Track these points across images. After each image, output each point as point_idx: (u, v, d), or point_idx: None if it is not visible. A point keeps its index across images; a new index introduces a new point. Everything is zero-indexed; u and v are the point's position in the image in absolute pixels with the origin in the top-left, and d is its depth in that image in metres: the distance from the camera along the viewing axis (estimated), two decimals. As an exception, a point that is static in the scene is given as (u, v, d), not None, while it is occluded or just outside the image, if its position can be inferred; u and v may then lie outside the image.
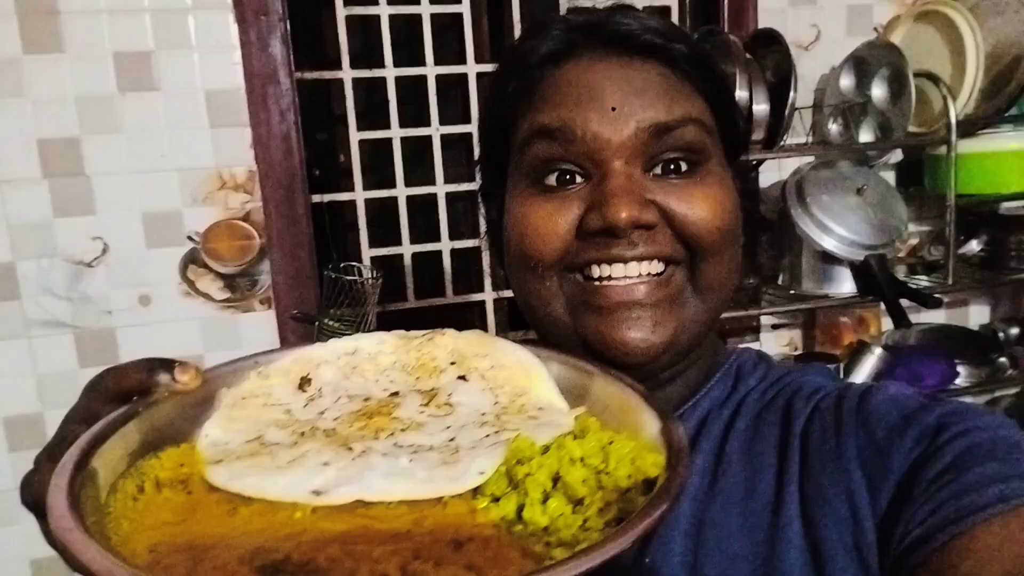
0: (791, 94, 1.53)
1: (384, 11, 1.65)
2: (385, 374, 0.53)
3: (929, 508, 0.49)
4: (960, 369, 1.85)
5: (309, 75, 1.64)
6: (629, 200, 0.57)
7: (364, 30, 1.71)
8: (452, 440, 0.44)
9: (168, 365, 0.48)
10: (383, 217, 1.74)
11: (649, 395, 0.48)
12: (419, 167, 1.74)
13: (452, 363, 0.53)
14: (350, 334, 1.51)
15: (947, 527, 0.47)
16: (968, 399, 2.05)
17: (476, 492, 0.40)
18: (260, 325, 1.62)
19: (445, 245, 1.76)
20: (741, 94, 1.51)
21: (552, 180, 0.61)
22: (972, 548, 0.46)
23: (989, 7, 1.72)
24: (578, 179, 0.61)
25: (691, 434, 0.64)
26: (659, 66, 0.61)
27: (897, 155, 1.93)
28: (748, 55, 1.60)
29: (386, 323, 1.66)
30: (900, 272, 1.88)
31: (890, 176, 1.95)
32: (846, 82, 1.77)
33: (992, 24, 1.71)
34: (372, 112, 1.74)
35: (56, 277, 1.52)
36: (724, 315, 1.81)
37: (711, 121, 0.63)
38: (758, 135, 1.56)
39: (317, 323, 1.55)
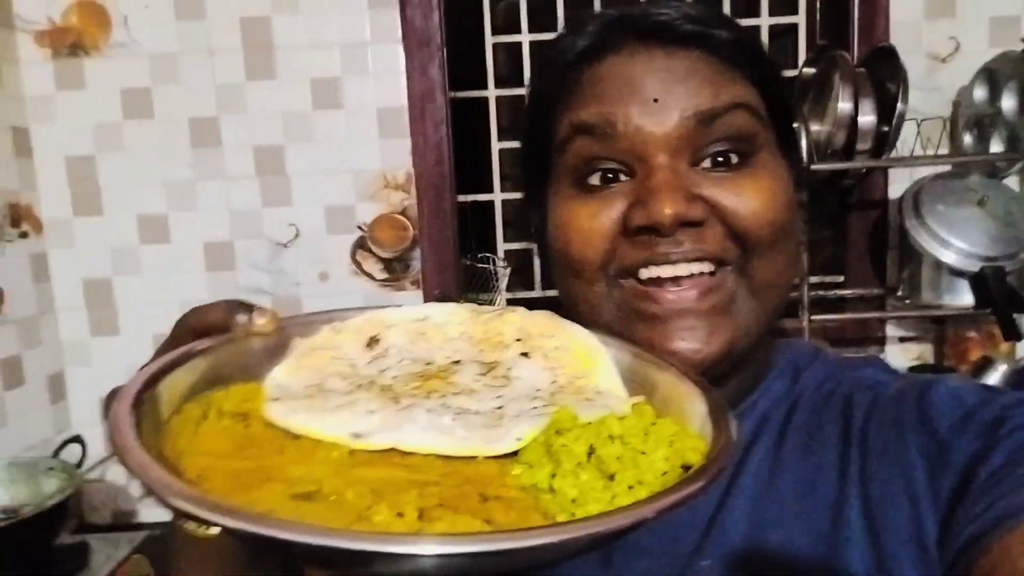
0: (899, 105, 1.57)
1: (525, 38, 1.91)
2: (451, 343, 0.53)
3: (985, 503, 0.48)
4: (1102, 394, 1.74)
5: (461, 94, 1.94)
6: (674, 195, 0.54)
7: (509, 55, 1.98)
8: (500, 408, 0.44)
9: (248, 307, 0.49)
10: (518, 216, 2.00)
11: (709, 388, 0.47)
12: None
13: (518, 340, 0.53)
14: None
15: (1004, 521, 0.45)
16: None
17: (514, 458, 0.40)
18: (410, 301, 1.93)
19: (573, 243, 1.98)
20: (844, 105, 1.59)
21: (595, 180, 0.59)
22: None
23: None
24: (622, 177, 0.58)
25: (750, 434, 0.62)
26: (702, 54, 0.58)
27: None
28: (863, 69, 1.67)
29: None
30: (1040, 288, 1.81)
31: (1037, 190, 1.88)
32: (979, 93, 1.76)
33: None
34: (515, 126, 2.01)
35: (261, 254, 1.93)
36: (849, 318, 1.86)
37: (761, 106, 0.59)
38: (864, 145, 1.61)
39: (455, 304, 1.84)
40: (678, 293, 0.57)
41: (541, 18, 1.93)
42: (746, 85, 0.59)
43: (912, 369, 1.81)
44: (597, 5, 1.92)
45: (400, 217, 1.90)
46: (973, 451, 0.52)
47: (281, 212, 1.91)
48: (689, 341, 0.56)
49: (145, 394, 0.41)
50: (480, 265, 1.82)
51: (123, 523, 1.94)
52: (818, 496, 0.57)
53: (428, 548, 0.30)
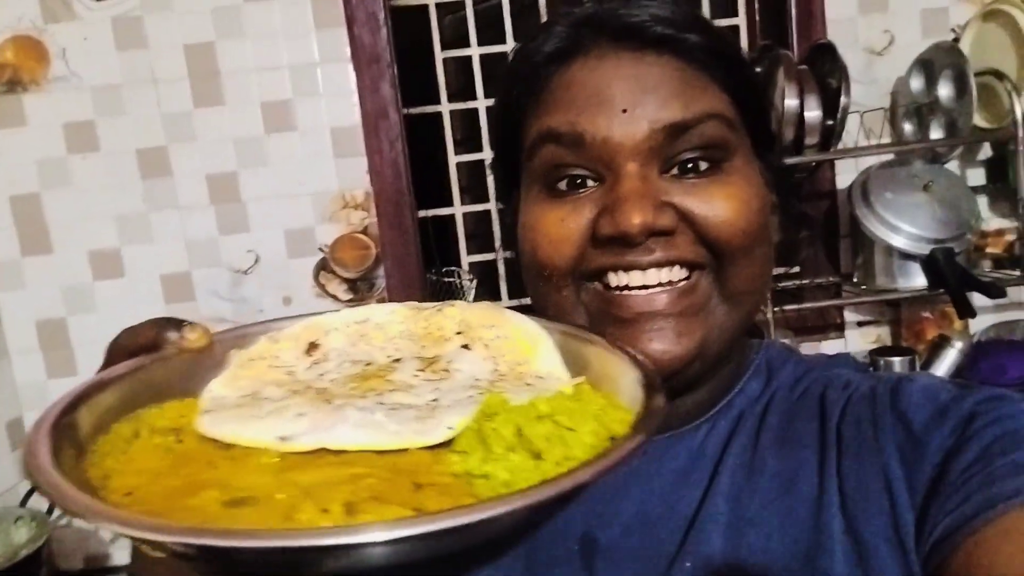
0: (842, 98, 1.63)
1: (475, 52, 1.92)
2: (392, 342, 0.53)
3: (960, 497, 0.49)
4: (1051, 363, 1.82)
5: (414, 110, 1.94)
6: (642, 204, 0.54)
7: (460, 69, 1.99)
8: (435, 400, 0.44)
9: (177, 323, 0.48)
10: (480, 229, 2.01)
11: (640, 360, 0.47)
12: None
13: (458, 333, 0.53)
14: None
15: (979, 514, 0.46)
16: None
17: (448, 448, 0.40)
18: (377, 321, 1.93)
19: (535, 251, 2.00)
20: (791, 102, 1.64)
21: (563, 185, 0.58)
22: (1011, 533, 0.45)
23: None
24: (590, 183, 0.58)
25: (727, 432, 0.63)
26: (673, 59, 0.57)
27: (986, 152, 1.94)
28: (805, 66, 1.72)
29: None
30: (986, 266, 1.89)
31: (979, 173, 1.96)
32: (915, 84, 1.83)
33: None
34: (473, 138, 2.01)
35: (221, 283, 1.89)
36: (805, 310, 1.92)
37: (734, 114, 0.58)
38: (812, 139, 1.66)
39: (422, 319, 1.83)
40: (647, 296, 0.56)
41: (489, 32, 1.94)
42: (718, 93, 0.58)
43: (873, 352, 1.86)
44: (544, 17, 1.94)
45: (361, 236, 1.89)
46: (947, 446, 0.52)
47: (239, 239, 1.88)
48: (658, 342, 0.56)
49: (65, 418, 0.40)
50: (446, 279, 1.81)
51: (95, 567, 1.88)
52: (797, 494, 0.57)
53: (344, 539, 0.29)
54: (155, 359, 0.48)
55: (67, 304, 1.86)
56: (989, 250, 1.94)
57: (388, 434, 0.40)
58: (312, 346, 0.52)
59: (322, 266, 1.91)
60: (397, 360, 0.51)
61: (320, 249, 1.89)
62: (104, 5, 1.77)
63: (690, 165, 0.57)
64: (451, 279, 1.83)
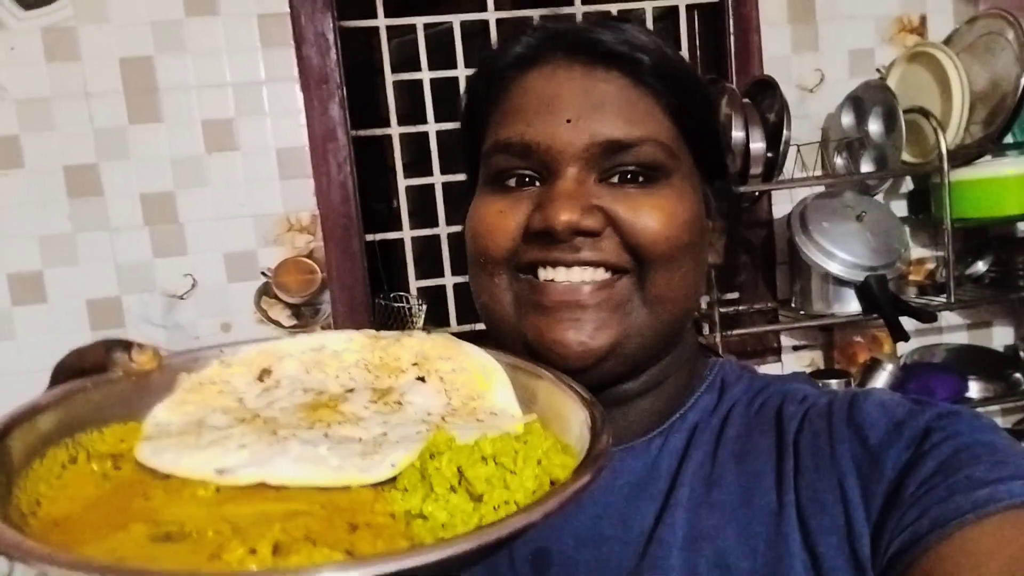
0: (785, 132, 1.70)
1: (426, 76, 1.91)
2: (346, 371, 0.52)
3: (916, 512, 0.49)
4: (972, 384, 1.94)
5: (362, 132, 1.91)
6: (571, 204, 0.56)
7: (410, 92, 1.97)
8: (383, 435, 0.44)
9: (126, 345, 0.47)
10: (428, 253, 1.98)
11: (590, 399, 0.46)
12: (459, 208, 1.97)
13: (414, 364, 0.52)
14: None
15: (936, 530, 0.47)
16: (994, 419, 2.12)
17: (392, 485, 0.40)
18: (322, 348, 1.87)
19: (483, 276, 1.98)
20: (738, 135, 1.70)
21: (511, 183, 0.61)
22: (968, 549, 0.45)
23: (984, 45, 1.86)
24: (537, 184, 0.61)
25: (682, 446, 0.64)
26: (622, 77, 0.60)
27: (908, 185, 2.07)
28: (747, 100, 1.79)
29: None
30: (911, 293, 1.99)
31: (902, 205, 2.08)
32: (846, 120, 1.93)
33: (986, 60, 1.84)
34: (420, 162, 1.99)
35: (154, 308, 1.80)
36: (745, 333, 1.97)
37: (674, 140, 0.61)
38: (756, 170, 1.73)
39: (370, 345, 1.79)
40: (570, 286, 0.59)
41: (438, 55, 1.93)
42: (661, 117, 0.60)
43: (811, 375, 1.93)
44: (494, 36, 1.95)
45: (306, 260, 1.83)
46: (903, 461, 0.53)
47: (175, 262, 1.79)
48: (574, 332, 0.58)
49: None
50: (395, 304, 1.78)
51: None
52: (755, 508, 0.58)
53: None
54: (100, 381, 0.46)
55: (-18, 331, 1.73)
56: (912, 277, 2.06)
57: (330, 469, 0.39)
58: (265, 372, 0.52)
59: (264, 291, 1.83)
60: (350, 390, 0.50)
61: (263, 273, 1.82)
62: (34, 14, 1.67)
63: (628, 176, 0.60)
64: (400, 304, 1.79)
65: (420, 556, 0.31)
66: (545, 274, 0.60)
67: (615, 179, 0.60)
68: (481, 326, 1.92)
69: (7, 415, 0.41)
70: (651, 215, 0.59)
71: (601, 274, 0.59)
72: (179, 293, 1.79)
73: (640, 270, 0.60)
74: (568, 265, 0.59)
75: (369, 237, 1.90)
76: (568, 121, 0.58)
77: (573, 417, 0.46)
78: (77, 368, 0.47)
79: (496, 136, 0.61)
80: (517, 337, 0.61)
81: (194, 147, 1.78)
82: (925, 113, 1.78)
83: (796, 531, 0.56)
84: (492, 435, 0.43)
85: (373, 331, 0.56)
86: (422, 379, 0.51)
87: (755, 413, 0.64)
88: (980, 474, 0.49)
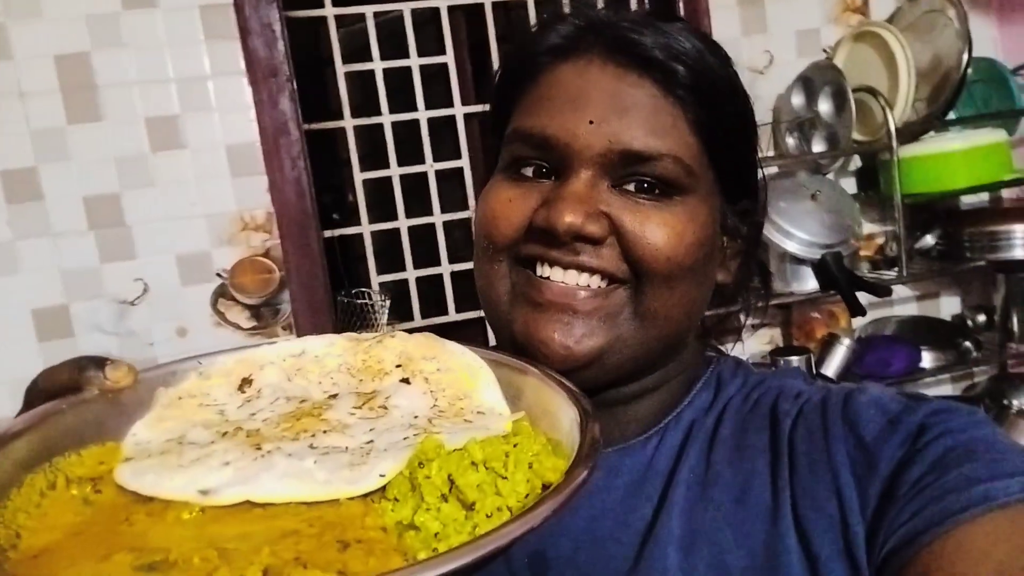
0: (741, 114, 1.71)
1: (378, 66, 1.87)
2: (329, 376, 0.51)
3: (912, 509, 0.49)
4: (925, 355, 2.00)
5: (316, 126, 1.86)
6: (577, 208, 0.56)
7: (362, 83, 1.93)
8: (370, 443, 0.43)
9: (99, 362, 0.46)
10: (388, 247, 1.95)
11: (577, 394, 0.46)
12: (417, 200, 1.94)
13: (398, 366, 0.51)
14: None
15: (932, 527, 0.47)
16: (945, 387, 2.20)
17: (382, 494, 0.39)
18: (283, 348, 1.82)
19: (445, 268, 1.96)
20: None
21: (528, 171, 0.60)
22: (964, 547, 0.45)
23: (926, 23, 1.90)
24: (552, 177, 0.60)
25: (678, 444, 0.63)
26: (653, 86, 0.58)
27: (856, 162, 2.12)
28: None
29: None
30: (864, 268, 2.05)
31: (851, 182, 2.13)
32: (797, 100, 1.96)
33: (929, 38, 1.89)
34: (373, 154, 1.96)
35: (104, 316, 1.72)
36: (709, 315, 1.98)
37: (696, 157, 0.59)
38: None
39: (333, 343, 1.75)
40: (566, 288, 0.58)
41: (388, 45, 1.89)
42: (686, 132, 0.58)
43: (772, 353, 1.97)
44: (446, 27, 1.92)
45: (263, 259, 1.78)
46: (898, 459, 0.53)
47: (124, 267, 1.72)
48: (561, 334, 0.58)
49: None
50: (358, 301, 1.74)
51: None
52: (751, 506, 0.58)
53: None
54: (74, 402, 0.45)
55: (-82, 348, 1.63)
56: (863, 253, 2.11)
57: (317, 484, 0.38)
58: (245, 382, 0.50)
59: (220, 293, 1.78)
60: (333, 396, 0.49)
61: (218, 274, 1.76)
62: (-41, 10, 1.58)
63: (645, 186, 0.58)
64: (362, 300, 1.76)
65: (416, 574, 0.30)
66: (542, 270, 0.59)
67: (631, 186, 0.58)
68: (444, 320, 1.89)
69: None
70: (658, 231, 0.57)
71: (597, 281, 0.58)
72: (130, 299, 1.72)
73: (637, 283, 0.59)
74: (565, 267, 0.58)
75: (328, 233, 1.86)
76: (591, 123, 0.57)
77: (562, 413, 0.45)
78: (49, 390, 0.45)
79: (518, 123, 0.61)
80: (506, 326, 0.61)
81: (138, 146, 1.71)
82: (873, 92, 1.82)
83: (792, 529, 0.55)
84: (481, 437, 0.42)
85: (354, 333, 0.55)
86: (407, 381, 0.50)
87: (750, 410, 0.64)
88: (975, 471, 0.48)
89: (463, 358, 0.52)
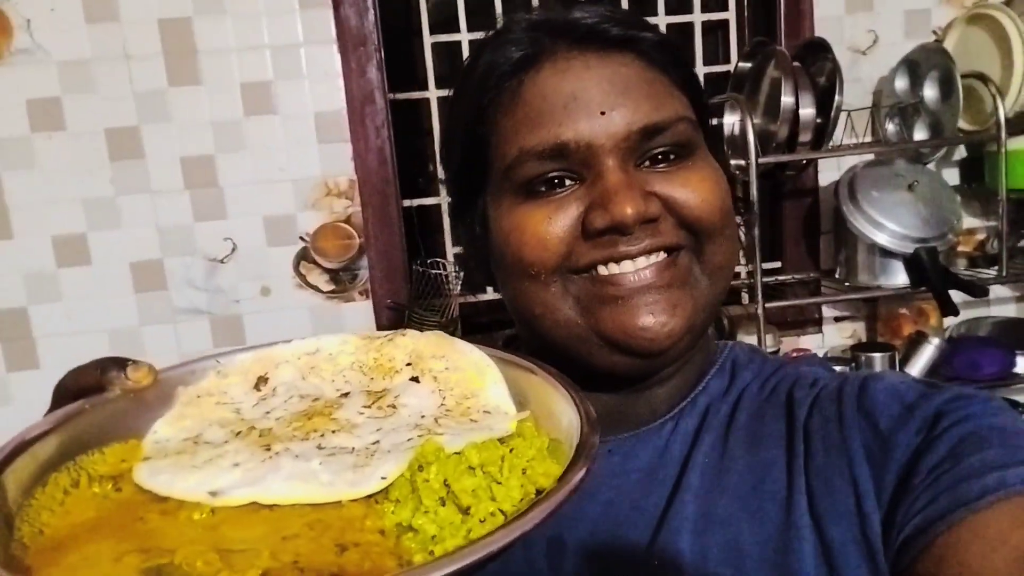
0: (836, 97, 1.64)
1: (464, 37, 1.87)
2: (342, 374, 0.53)
3: (928, 496, 0.49)
4: (1020, 360, 1.88)
5: (401, 96, 1.88)
6: (632, 195, 0.56)
7: (449, 54, 1.94)
8: (375, 443, 0.44)
9: (121, 363, 0.47)
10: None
11: (579, 398, 0.46)
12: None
13: (408, 364, 0.52)
14: (436, 321, 1.74)
15: (948, 514, 0.47)
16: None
17: (385, 494, 0.40)
18: (360, 313, 1.87)
19: (521, 243, 1.96)
20: (787, 100, 1.64)
21: (542, 187, 0.60)
22: (979, 534, 0.45)
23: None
24: (568, 182, 0.59)
25: (693, 429, 0.64)
26: (636, 60, 0.59)
27: (961, 152, 1.99)
28: (797, 63, 1.72)
29: (467, 312, 1.88)
30: (960, 265, 1.94)
31: (954, 173, 2.01)
32: (900, 84, 1.86)
33: (1050, 22, 1.75)
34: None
35: (195, 272, 1.81)
36: (786, 305, 1.93)
37: (693, 114, 0.62)
38: (805, 137, 1.67)
39: (408, 312, 1.79)
40: (635, 272, 0.58)
41: (475, 17, 1.89)
42: (680, 96, 0.61)
43: (853, 348, 1.90)
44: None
45: (344, 225, 1.83)
46: (914, 446, 0.53)
47: (215, 226, 1.80)
48: (656, 315, 0.58)
49: None
50: (432, 271, 1.77)
51: None
52: (766, 492, 0.58)
53: None
54: (97, 402, 0.46)
55: (29, 293, 1.76)
56: (961, 248, 2.00)
57: (320, 486, 0.40)
58: (261, 380, 0.52)
59: (303, 256, 1.84)
60: (345, 395, 0.50)
61: (301, 238, 1.82)
62: (73, -25, 1.66)
63: (660, 156, 0.60)
64: (436, 271, 1.79)
65: None
66: (606, 270, 0.59)
67: (647, 163, 0.60)
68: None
69: (6, 446, 0.41)
70: (700, 188, 0.59)
71: (660, 256, 0.59)
72: (219, 257, 1.80)
73: (696, 244, 0.60)
74: (635, 256, 0.58)
75: (406, 202, 1.89)
76: (602, 113, 0.57)
77: (563, 416, 0.45)
78: (77, 389, 0.47)
79: (521, 144, 0.59)
80: (589, 336, 0.60)
81: (233, 110, 1.77)
82: (983, 78, 1.70)
83: (807, 516, 0.55)
84: (482, 438, 0.42)
85: (368, 331, 0.56)
86: (416, 379, 0.51)
87: (766, 398, 0.64)
88: (991, 458, 0.48)
89: (471, 356, 0.53)
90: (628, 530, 0.60)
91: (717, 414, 0.64)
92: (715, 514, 0.58)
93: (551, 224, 0.59)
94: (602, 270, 0.59)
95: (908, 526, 0.49)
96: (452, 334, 0.56)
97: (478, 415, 0.48)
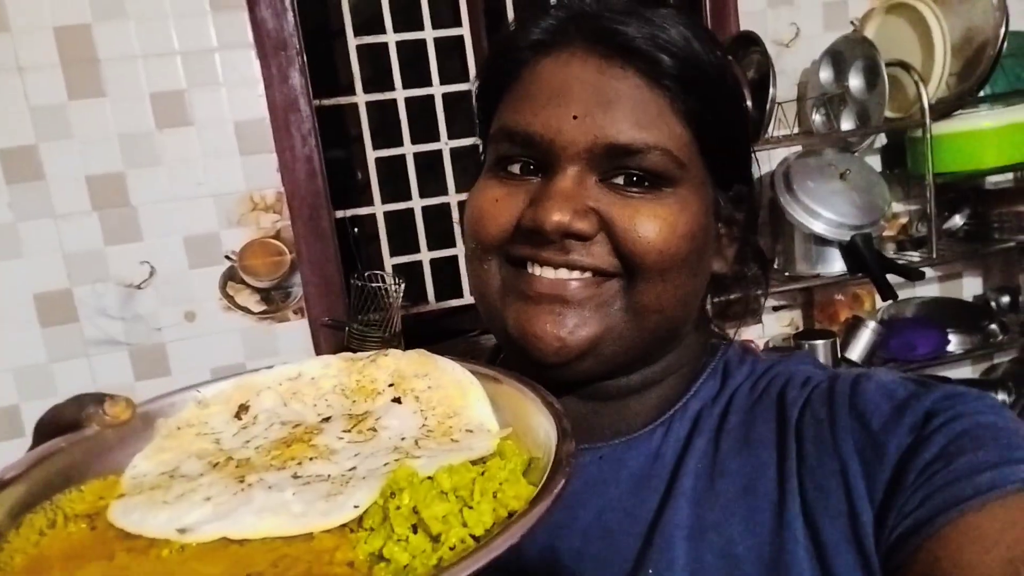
0: (771, 90, 1.65)
1: (391, 38, 1.79)
2: (324, 399, 0.52)
3: (920, 496, 0.49)
4: (952, 338, 1.95)
5: (327, 101, 1.78)
6: (564, 205, 0.55)
7: (374, 57, 1.86)
8: (352, 469, 0.43)
9: (99, 399, 0.46)
10: (401, 227, 1.89)
11: (554, 408, 0.45)
12: (431, 179, 1.88)
13: (390, 384, 0.52)
14: (378, 337, 1.65)
15: (941, 514, 0.47)
16: (965, 369, 2.16)
17: (360, 523, 0.39)
18: (295, 333, 1.77)
19: (460, 250, 1.90)
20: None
21: (516, 168, 0.60)
22: (973, 534, 0.45)
23: (958, -5, 1.83)
24: (533, 171, 0.60)
25: (685, 435, 0.63)
26: (638, 76, 0.57)
27: (881, 140, 2.05)
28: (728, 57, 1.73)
29: (410, 325, 1.80)
30: (890, 249, 1.99)
31: (876, 160, 2.06)
32: (825, 75, 1.89)
33: (961, 10, 1.82)
34: (386, 131, 1.89)
35: (109, 300, 1.66)
36: (726, 299, 1.94)
37: (685, 147, 0.58)
38: (743, 130, 1.68)
39: (347, 328, 1.69)
40: (556, 279, 0.58)
41: (400, 16, 1.81)
42: (673, 123, 0.57)
43: (796, 336, 1.92)
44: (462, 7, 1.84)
45: (274, 241, 1.72)
46: (906, 445, 0.53)
47: (129, 249, 1.66)
48: (553, 326, 0.57)
49: None
50: (372, 284, 1.68)
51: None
52: (758, 496, 0.58)
53: None
54: (73, 439, 0.45)
55: (-83, 334, 1.57)
56: (887, 234, 2.06)
57: (292, 517, 0.39)
58: (242, 408, 0.51)
59: (229, 276, 1.72)
60: (326, 419, 0.50)
61: (227, 257, 1.70)
62: (-48, -21, 1.49)
63: (634, 179, 0.58)
64: (376, 284, 1.70)
65: None
66: (531, 270, 0.59)
67: (619, 180, 0.58)
68: (458, 303, 1.84)
69: None
70: (648, 224, 0.57)
71: (585, 275, 0.58)
72: (136, 282, 1.66)
73: (629, 277, 0.58)
74: (556, 267, 0.58)
75: (339, 213, 1.79)
76: (575, 117, 0.56)
77: (540, 429, 0.44)
78: (55, 428, 0.46)
79: (503, 120, 0.60)
80: (500, 323, 0.61)
81: (143, 123, 1.64)
82: (906, 66, 1.75)
83: (799, 518, 0.55)
84: (459, 460, 0.42)
85: (350, 354, 0.55)
86: (398, 400, 0.50)
87: (757, 399, 0.64)
88: (984, 457, 0.48)
89: (454, 374, 0.52)
90: (621, 537, 0.59)
91: (709, 418, 0.63)
92: (709, 520, 0.57)
93: (497, 207, 0.60)
94: (530, 267, 0.59)
95: (901, 526, 0.49)
96: (395, 348, 0.56)
97: (460, 434, 0.47)
